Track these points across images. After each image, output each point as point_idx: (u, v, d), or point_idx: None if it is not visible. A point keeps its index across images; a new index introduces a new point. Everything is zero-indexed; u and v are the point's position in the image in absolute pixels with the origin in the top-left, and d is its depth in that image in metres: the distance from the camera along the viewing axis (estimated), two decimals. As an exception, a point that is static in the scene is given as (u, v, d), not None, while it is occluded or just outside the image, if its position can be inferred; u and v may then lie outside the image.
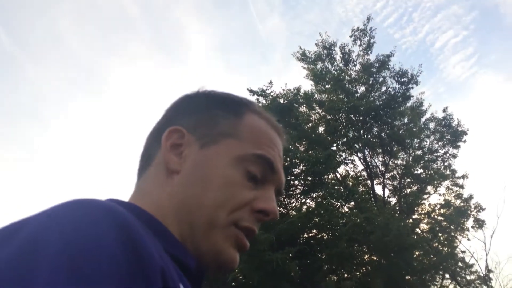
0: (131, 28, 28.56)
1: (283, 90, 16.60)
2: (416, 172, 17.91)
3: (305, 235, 14.14)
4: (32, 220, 0.43)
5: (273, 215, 0.65)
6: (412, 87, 17.35)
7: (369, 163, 17.58)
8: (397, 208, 16.95)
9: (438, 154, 18.41)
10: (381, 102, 17.00)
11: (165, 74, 29.59)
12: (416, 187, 17.87)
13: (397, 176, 17.98)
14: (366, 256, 14.82)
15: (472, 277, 16.02)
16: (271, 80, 16.53)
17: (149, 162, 0.69)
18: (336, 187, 14.81)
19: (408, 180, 18.03)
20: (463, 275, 16.01)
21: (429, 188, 17.96)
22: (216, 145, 0.65)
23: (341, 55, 18.02)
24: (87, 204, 0.45)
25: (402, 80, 17.37)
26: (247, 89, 16.50)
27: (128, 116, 30.99)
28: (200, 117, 0.69)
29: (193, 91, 0.75)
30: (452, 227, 16.73)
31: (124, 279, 0.38)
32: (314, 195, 14.64)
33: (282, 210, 14.10)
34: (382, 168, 17.71)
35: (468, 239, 16.90)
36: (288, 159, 13.41)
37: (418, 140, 17.97)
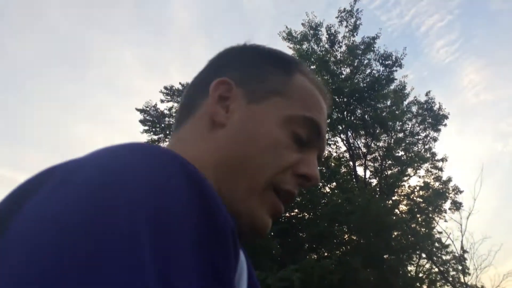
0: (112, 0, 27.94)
1: (268, 70, 16.51)
2: (397, 154, 18.20)
3: (287, 214, 14.32)
4: (91, 162, 0.40)
5: (315, 181, 0.63)
6: (396, 70, 17.51)
7: (352, 145, 17.79)
8: (377, 189, 17.26)
9: (419, 137, 18.71)
10: (365, 84, 17.12)
11: (147, 47, 29.10)
12: (397, 169, 18.17)
13: (379, 158, 18.24)
14: (346, 236, 15.13)
15: (448, 257, 16.48)
16: (256, 60, 16.42)
17: (191, 113, 0.65)
18: (318, 168, 14.94)
19: (389, 162, 18.32)
20: (439, 255, 16.45)
21: (409, 170, 18.28)
22: (265, 102, 0.62)
23: (327, 36, 18.01)
24: (155, 152, 0.43)
25: (387, 63, 17.49)
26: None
27: (108, 89, 30.54)
28: (248, 70, 0.66)
29: (239, 44, 0.71)
30: (430, 208, 17.13)
31: (203, 239, 0.38)
32: (296, 175, 14.76)
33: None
34: (364, 150, 17.95)
35: (445, 221, 17.34)
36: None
37: (400, 123, 18.19)
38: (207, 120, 0.62)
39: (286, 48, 18.49)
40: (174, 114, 17.86)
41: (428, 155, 18.48)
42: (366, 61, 17.80)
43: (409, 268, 16.03)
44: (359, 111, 17.51)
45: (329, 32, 17.91)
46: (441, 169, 18.36)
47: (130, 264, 0.32)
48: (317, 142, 0.65)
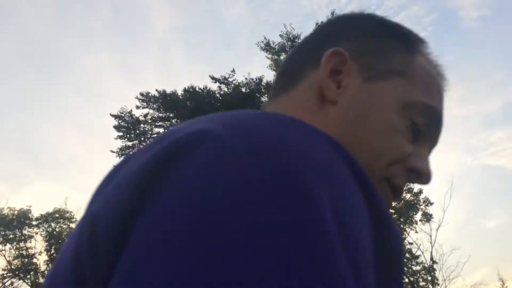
0: (89, 3, 27.66)
1: (246, 79, 16.70)
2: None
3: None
4: (250, 131, 0.34)
5: (427, 179, 0.55)
6: (371, 83, 17.83)
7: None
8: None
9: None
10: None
11: (124, 53, 28.84)
12: (370, 180, 18.45)
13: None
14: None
15: (418, 267, 16.80)
16: (233, 69, 16.55)
17: (294, 83, 0.57)
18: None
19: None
20: (410, 265, 16.73)
21: (382, 182, 18.58)
22: (383, 82, 0.54)
23: (304, 48, 18.21)
24: (318, 133, 0.38)
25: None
26: (210, 76, 16.42)
27: (83, 93, 30.09)
28: (367, 42, 0.57)
29: (354, 12, 0.63)
30: (401, 219, 17.42)
31: (377, 258, 0.33)
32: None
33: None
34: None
35: (416, 232, 17.69)
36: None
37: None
38: (315, 93, 0.54)
39: (264, 59, 18.70)
40: (149, 121, 17.72)
41: (400, 167, 18.85)
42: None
43: (380, 278, 16.21)
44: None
45: (306, 43, 18.15)
46: (412, 181, 18.72)
47: (329, 273, 0.27)
48: (433, 135, 0.57)
